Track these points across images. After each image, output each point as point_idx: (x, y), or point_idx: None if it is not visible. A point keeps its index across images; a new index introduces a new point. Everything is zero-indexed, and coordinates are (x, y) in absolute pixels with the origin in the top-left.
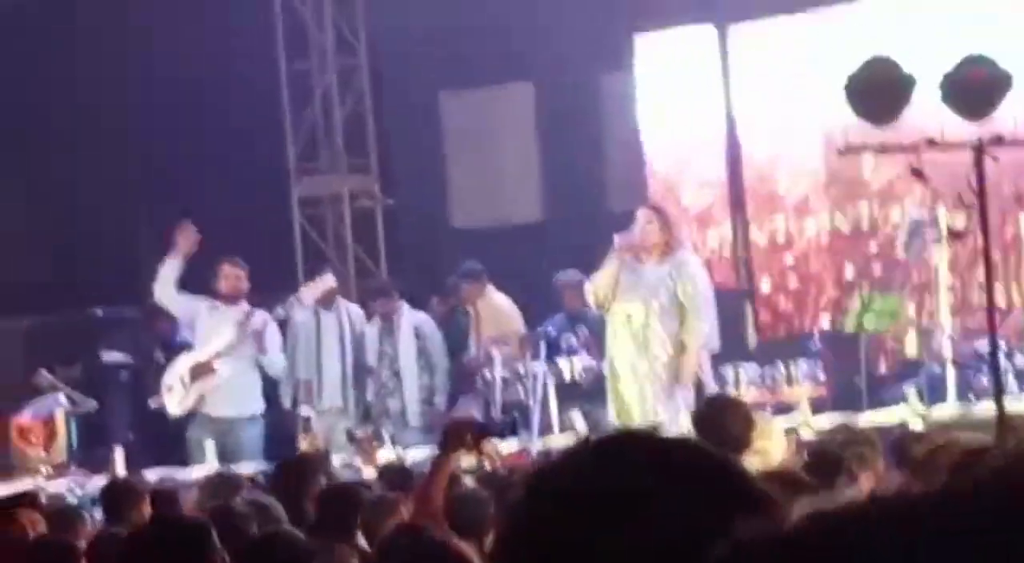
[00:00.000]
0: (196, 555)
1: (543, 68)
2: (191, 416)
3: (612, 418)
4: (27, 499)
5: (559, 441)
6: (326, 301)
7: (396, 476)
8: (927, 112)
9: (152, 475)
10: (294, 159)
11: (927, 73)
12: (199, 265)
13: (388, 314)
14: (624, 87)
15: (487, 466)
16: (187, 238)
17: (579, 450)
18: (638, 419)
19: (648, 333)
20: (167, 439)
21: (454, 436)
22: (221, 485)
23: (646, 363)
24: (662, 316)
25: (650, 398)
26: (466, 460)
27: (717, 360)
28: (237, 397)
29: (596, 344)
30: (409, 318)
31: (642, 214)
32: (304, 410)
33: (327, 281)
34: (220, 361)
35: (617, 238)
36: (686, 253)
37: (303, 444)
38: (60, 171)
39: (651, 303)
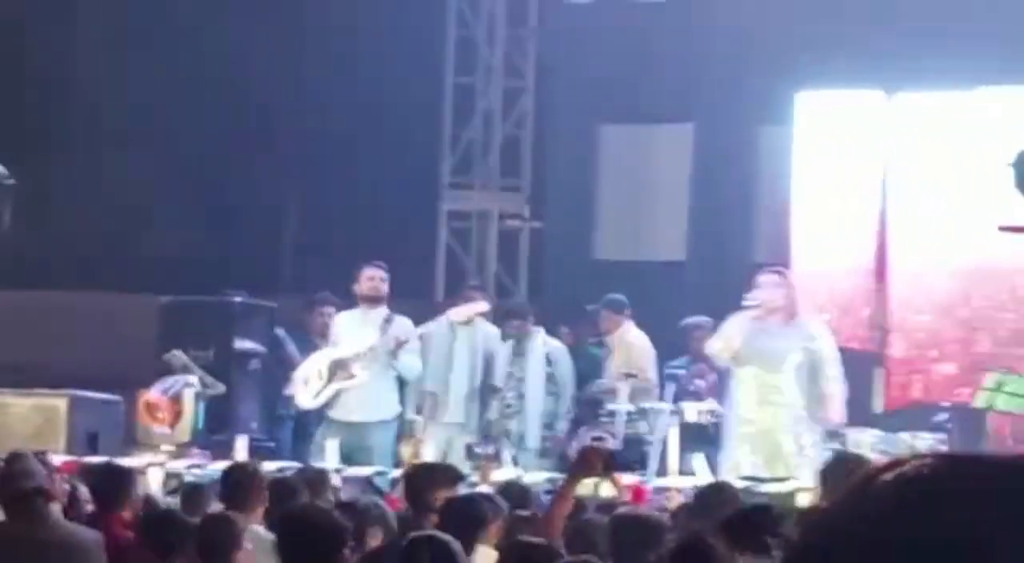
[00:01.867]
0: (335, 549)
1: (705, 112)
2: (319, 415)
3: (729, 466)
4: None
5: (676, 482)
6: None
7: (516, 495)
8: None
9: (271, 467)
10: (448, 172)
11: None
12: (344, 263)
13: (521, 336)
14: (781, 141)
15: (618, 496)
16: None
17: (878, 484)
18: (755, 469)
19: (774, 394)
20: (290, 433)
21: (587, 462)
22: (303, 481)
23: (770, 416)
24: (790, 378)
25: (773, 448)
26: (604, 488)
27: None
28: (371, 402)
29: (722, 391)
30: (542, 342)
31: (768, 278)
32: (411, 417)
33: (480, 307)
34: (359, 364)
35: (748, 298)
36: (810, 318)
37: (404, 450)
38: (215, 157)
39: (779, 366)
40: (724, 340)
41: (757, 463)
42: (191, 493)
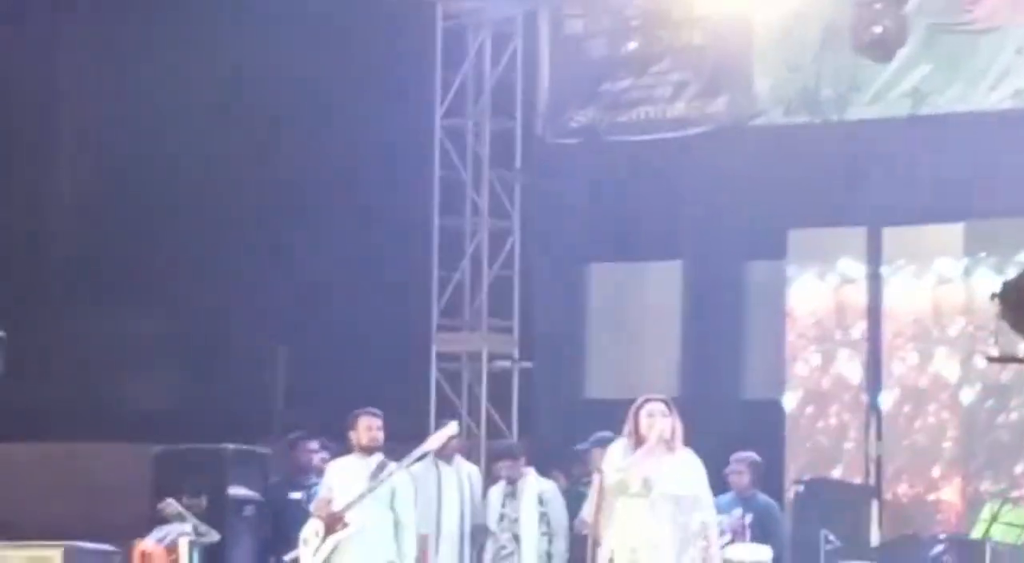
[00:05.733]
0: None
1: (694, 249)
2: None
3: None
4: None
5: None
6: (446, 455)
7: None
8: None
9: None
10: (437, 315)
11: None
12: (336, 411)
13: (513, 477)
14: (773, 278)
15: None
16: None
17: None
18: None
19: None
20: None
21: None
22: None
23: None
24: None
25: None
26: None
27: (838, 556)
28: (368, 547)
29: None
30: (534, 483)
31: (657, 407)
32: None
33: (451, 429)
34: (352, 512)
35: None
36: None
37: None
38: (203, 306)
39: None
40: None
41: None
42: None
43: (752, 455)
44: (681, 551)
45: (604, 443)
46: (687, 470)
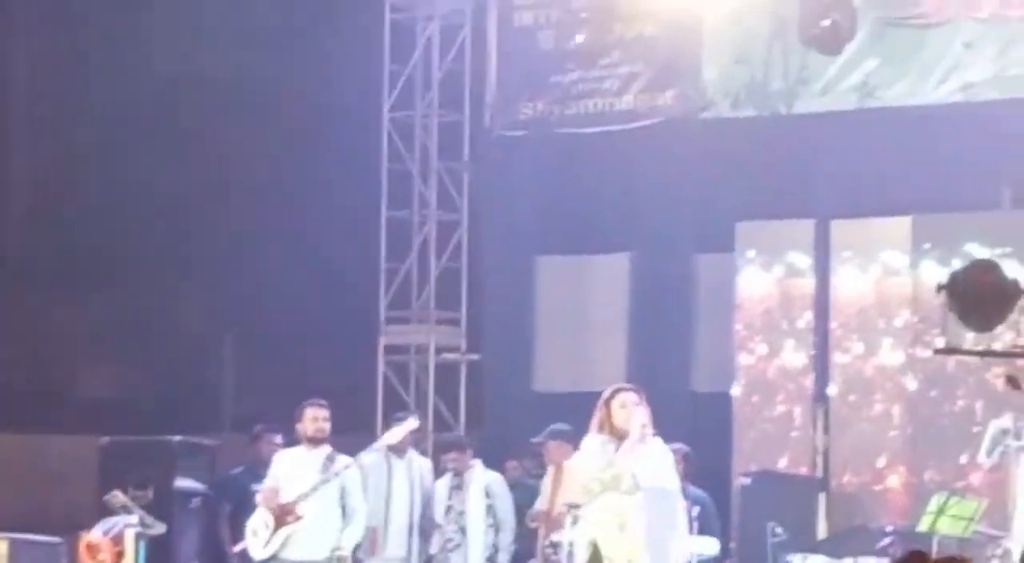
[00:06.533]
0: None
1: (642, 241)
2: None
3: None
4: None
5: None
6: (399, 449)
7: None
8: None
9: None
10: (385, 307)
11: None
12: (285, 403)
13: (460, 470)
14: (721, 270)
15: None
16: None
17: None
18: None
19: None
20: None
21: None
22: None
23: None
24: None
25: None
26: None
27: (785, 548)
28: (317, 539)
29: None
30: (480, 476)
31: (630, 397)
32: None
33: (411, 424)
34: (304, 504)
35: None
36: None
37: None
38: (150, 296)
39: (634, 489)
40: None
41: None
42: None
43: (684, 447)
44: (666, 543)
45: (559, 436)
46: (661, 460)
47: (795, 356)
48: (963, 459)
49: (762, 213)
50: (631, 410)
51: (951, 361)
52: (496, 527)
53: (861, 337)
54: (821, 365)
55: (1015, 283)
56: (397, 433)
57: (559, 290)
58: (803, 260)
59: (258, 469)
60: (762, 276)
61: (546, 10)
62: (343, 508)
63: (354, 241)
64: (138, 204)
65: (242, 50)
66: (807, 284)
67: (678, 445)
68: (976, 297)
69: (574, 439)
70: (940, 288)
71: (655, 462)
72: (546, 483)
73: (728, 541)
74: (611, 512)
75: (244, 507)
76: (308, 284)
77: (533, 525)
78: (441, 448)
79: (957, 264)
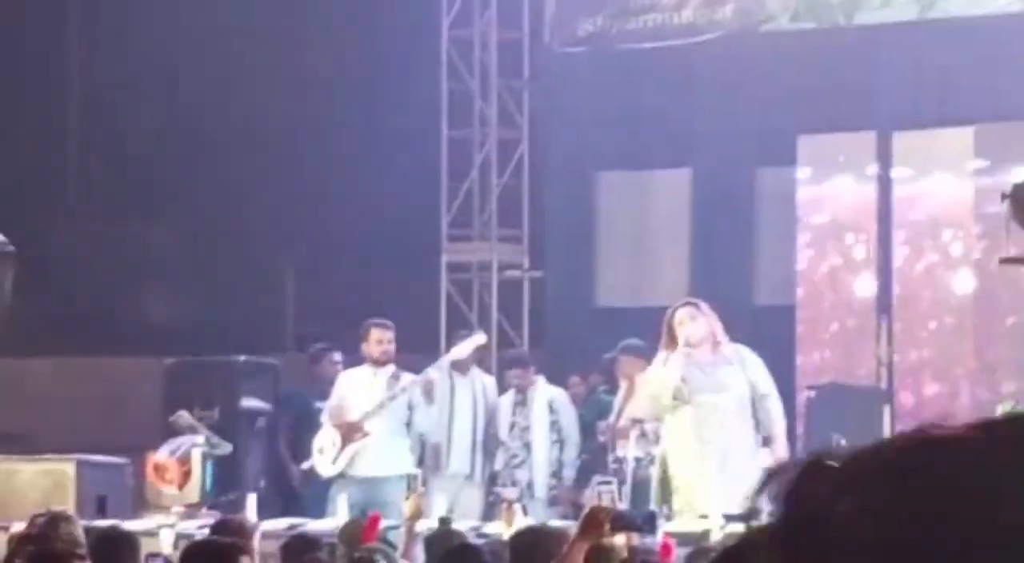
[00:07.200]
0: None
1: (702, 156)
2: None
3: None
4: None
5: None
6: (462, 366)
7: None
8: None
9: (282, 524)
10: (446, 225)
11: None
12: (348, 323)
13: (523, 386)
14: (783, 184)
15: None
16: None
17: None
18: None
19: (717, 431)
20: (298, 490)
21: (593, 523)
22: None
23: (713, 452)
24: (737, 407)
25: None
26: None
27: None
28: (385, 457)
29: None
30: (544, 392)
31: (686, 312)
32: (412, 470)
33: (479, 339)
34: (370, 422)
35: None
36: (737, 346)
37: (407, 505)
38: (212, 219)
39: (723, 395)
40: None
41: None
42: None
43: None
44: (731, 455)
45: (631, 350)
46: (728, 371)
47: (858, 268)
48: None
49: (823, 126)
50: (687, 325)
51: (1018, 271)
52: (561, 443)
53: (925, 249)
54: (885, 277)
55: None
56: (464, 348)
57: (620, 206)
58: (865, 172)
59: (319, 387)
60: (824, 189)
61: None
62: (409, 426)
63: (415, 160)
64: (200, 130)
65: None
66: (869, 196)
67: None
68: None
69: (646, 354)
70: (1004, 198)
71: (719, 372)
72: (619, 398)
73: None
74: (680, 427)
75: (306, 424)
76: (369, 203)
77: (602, 439)
78: (504, 365)
79: (1020, 173)
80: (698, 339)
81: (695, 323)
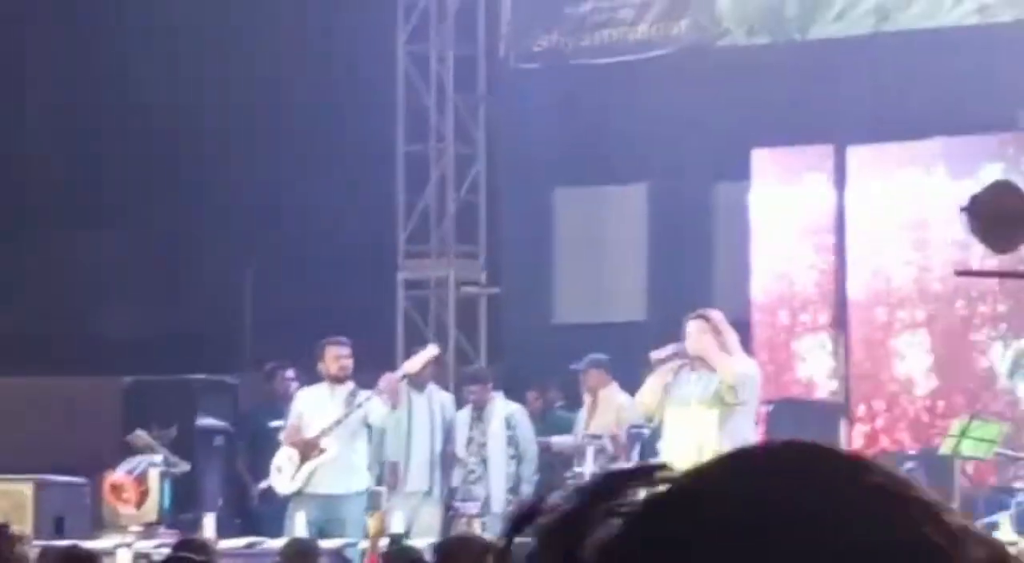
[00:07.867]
0: None
1: (659, 171)
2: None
3: None
4: None
5: None
6: (419, 383)
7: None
8: None
9: (241, 542)
10: (404, 241)
11: None
12: (306, 341)
13: (480, 402)
14: (738, 197)
15: None
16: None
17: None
18: None
19: (704, 440)
20: (255, 509)
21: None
22: (298, 554)
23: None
24: (716, 422)
25: None
26: None
27: None
28: (343, 474)
29: None
30: (501, 407)
31: (695, 324)
32: (374, 488)
33: (430, 351)
34: (327, 439)
35: (653, 354)
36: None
37: (370, 523)
38: (169, 235)
39: (705, 411)
40: (644, 399)
41: None
42: None
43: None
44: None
45: (599, 364)
46: (708, 381)
47: (813, 281)
48: (985, 381)
49: (779, 140)
50: (687, 338)
51: (975, 283)
52: (518, 458)
53: (880, 261)
54: (839, 290)
55: None
56: (416, 362)
57: (577, 221)
58: (820, 186)
59: (274, 406)
60: (780, 203)
61: None
62: (367, 443)
63: (372, 176)
64: (156, 143)
65: None
66: (826, 210)
67: None
68: (997, 218)
69: (612, 369)
70: (962, 210)
71: (703, 382)
72: (583, 411)
73: None
74: (668, 437)
75: (261, 443)
76: (326, 220)
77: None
78: (462, 381)
79: (977, 186)
80: (691, 352)
81: (688, 339)
